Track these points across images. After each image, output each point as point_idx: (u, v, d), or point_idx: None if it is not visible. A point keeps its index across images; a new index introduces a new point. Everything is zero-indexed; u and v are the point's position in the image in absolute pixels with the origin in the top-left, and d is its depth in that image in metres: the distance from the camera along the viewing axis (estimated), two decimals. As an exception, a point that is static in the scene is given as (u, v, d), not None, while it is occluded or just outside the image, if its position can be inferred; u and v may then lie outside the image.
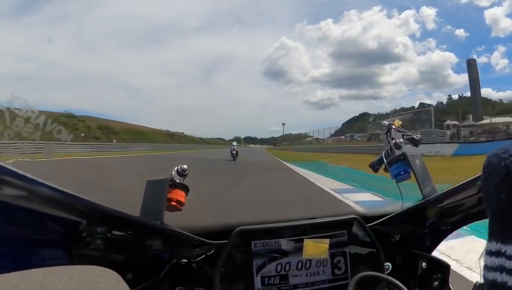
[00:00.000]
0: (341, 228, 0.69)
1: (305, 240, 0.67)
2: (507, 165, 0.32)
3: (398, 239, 0.76)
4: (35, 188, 0.39)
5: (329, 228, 0.69)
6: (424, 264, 0.72)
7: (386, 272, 0.72)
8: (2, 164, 0.35)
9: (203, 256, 0.69)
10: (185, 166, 0.69)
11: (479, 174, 0.36)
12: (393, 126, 0.86)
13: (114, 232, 0.59)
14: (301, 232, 0.68)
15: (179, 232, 0.62)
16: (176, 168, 0.69)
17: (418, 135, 0.85)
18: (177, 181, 0.68)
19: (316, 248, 0.67)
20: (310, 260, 0.67)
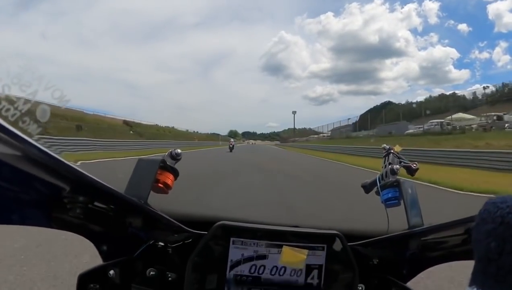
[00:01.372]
0: (321, 242, 0.69)
1: (284, 246, 0.66)
2: (503, 215, 0.32)
3: (376, 263, 0.75)
4: (25, 147, 0.39)
5: (310, 240, 0.68)
6: None
7: None
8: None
9: (181, 243, 0.69)
10: (179, 150, 0.68)
11: (469, 216, 0.36)
12: (392, 151, 0.86)
13: (96, 203, 0.59)
14: (281, 238, 0.67)
15: (160, 215, 0.61)
16: (170, 151, 0.69)
17: (415, 165, 0.85)
18: (168, 163, 0.67)
19: (293, 256, 0.66)
20: (285, 267, 0.67)
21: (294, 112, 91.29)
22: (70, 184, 0.53)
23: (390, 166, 0.80)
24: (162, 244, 0.69)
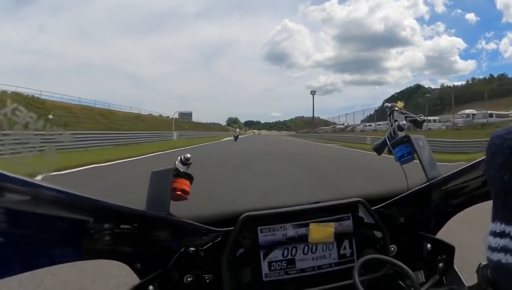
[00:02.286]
0: (346, 212, 0.69)
1: (310, 224, 0.67)
2: (511, 146, 0.32)
3: (403, 221, 0.76)
4: (38, 192, 0.39)
5: (334, 212, 0.69)
6: (429, 246, 0.73)
7: (391, 254, 0.73)
8: (2, 171, 0.35)
9: (210, 243, 0.70)
10: (189, 155, 0.69)
11: (484, 157, 0.36)
12: (396, 108, 0.85)
13: (121, 226, 0.60)
14: (306, 216, 0.68)
15: (185, 222, 0.62)
16: (179, 157, 0.69)
17: (422, 117, 0.84)
18: (181, 170, 0.68)
19: (321, 232, 0.67)
20: (316, 245, 0.68)
21: (313, 93, 76.49)
22: (91, 215, 0.54)
23: (396, 123, 0.79)
24: (193, 249, 0.70)
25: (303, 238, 0.68)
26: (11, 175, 0.35)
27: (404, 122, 0.79)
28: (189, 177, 0.69)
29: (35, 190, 0.38)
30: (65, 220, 0.51)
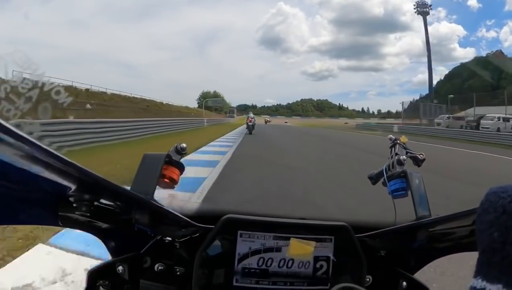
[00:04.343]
0: (329, 234, 0.69)
1: (291, 239, 0.67)
2: (504, 205, 0.32)
3: (383, 254, 0.75)
4: (29, 147, 0.39)
5: (317, 232, 0.68)
6: (404, 284, 0.72)
7: (366, 285, 0.72)
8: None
9: (188, 237, 0.69)
10: (184, 145, 0.68)
11: (476, 207, 0.36)
12: (399, 142, 0.85)
13: (102, 201, 0.59)
14: (289, 230, 0.67)
15: (167, 210, 0.62)
16: (175, 145, 0.69)
17: (422, 155, 0.84)
18: (174, 158, 0.67)
19: (301, 248, 0.66)
20: (292, 260, 0.67)
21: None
22: (75, 182, 0.53)
23: (396, 157, 0.79)
24: (170, 239, 0.70)
25: (282, 251, 0.67)
26: (3, 123, 0.34)
27: (404, 157, 0.79)
28: (180, 167, 0.69)
29: (25, 145, 0.38)
30: (47, 181, 0.51)
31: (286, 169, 7.02)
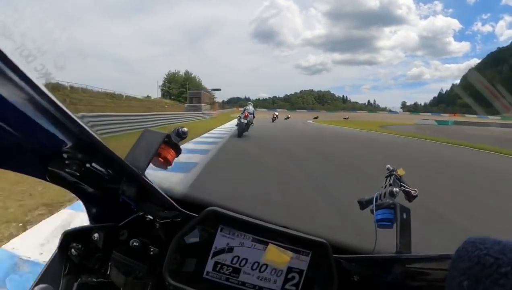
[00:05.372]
0: (308, 248, 0.69)
1: (270, 244, 0.67)
2: (480, 256, 0.32)
3: (356, 280, 0.75)
4: (34, 92, 0.39)
5: (297, 243, 0.68)
6: None
7: None
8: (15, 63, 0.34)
9: (169, 220, 0.69)
10: (185, 129, 0.68)
11: (450, 253, 0.36)
12: (395, 173, 0.85)
13: (93, 164, 0.59)
14: (269, 235, 0.67)
15: (155, 188, 0.62)
16: (177, 128, 0.69)
17: (415, 191, 0.84)
18: (173, 140, 0.67)
19: (277, 256, 0.66)
20: (266, 265, 0.67)
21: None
22: (72, 139, 0.53)
23: (390, 188, 0.80)
24: (151, 217, 0.70)
25: (258, 254, 0.67)
26: (18, 66, 0.34)
27: (397, 189, 0.80)
28: (177, 150, 0.69)
29: (29, 88, 0.38)
30: (44, 131, 0.51)
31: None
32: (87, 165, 0.59)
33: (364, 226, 0.91)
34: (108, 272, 0.70)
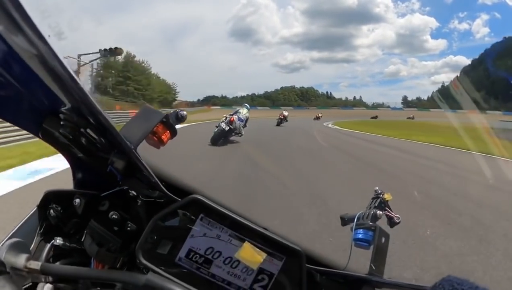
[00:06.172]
0: (282, 253, 0.69)
1: (246, 242, 0.67)
2: None
3: None
4: (44, 49, 0.39)
5: (272, 246, 0.69)
6: None
7: None
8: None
9: (152, 199, 0.69)
10: (185, 113, 0.68)
11: (427, 286, 0.36)
12: (381, 196, 0.86)
13: (88, 130, 0.59)
14: (247, 233, 0.68)
15: (144, 165, 0.62)
16: (177, 110, 0.69)
17: (398, 219, 0.85)
18: (171, 121, 0.67)
19: (251, 255, 0.67)
20: (238, 262, 0.67)
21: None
22: (71, 101, 0.53)
23: (374, 210, 0.80)
24: (135, 194, 0.70)
25: (232, 250, 0.67)
26: (29, 13, 0.34)
27: (381, 213, 0.80)
28: (173, 132, 0.69)
29: (40, 43, 0.38)
30: (46, 88, 0.51)
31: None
32: (81, 130, 0.59)
33: (342, 242, 0.91)
34: (82, 239, 0.70)
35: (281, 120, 23.50)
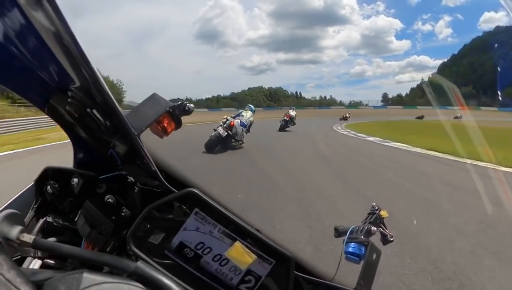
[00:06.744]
0: (273, 256, 0.69)
1: (237, 241, 0.67)
2: None
3: None
4: (62, 27, 0.39)
5: (263, 249, 0.68)
6: None
7: None
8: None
9: (150, 188, 0.69)
10: (192, 105, 0.68)
11: None
12: (377, 212, 0.85)
13: (94, 111, 0.59)
14: (239, 233, 0.68)
15: (146, 153, 0.62)
16: (184, 103, 0.69)
17: (392, 237, 0.84)
18: (177, 112, 0.67)
19: (241, 255, 0.66)
20: (227, 260, 0.67)
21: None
22: (81, 80, 0.53)
23: (369, 226, 0.80)
24: (133, 180, 0.70)
25: (223, 248, 0.67)
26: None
27: (375, 229, 0.80)
28: (178, 123, 0.69)
29: (59, 23, 0.38)
30: (58, 64, 0.51)
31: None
32: (88, 110, 0.59)
33: (334, 253, 0.91)
34: (75, 219, 0.70)
35: (286, 123, 17.53)
